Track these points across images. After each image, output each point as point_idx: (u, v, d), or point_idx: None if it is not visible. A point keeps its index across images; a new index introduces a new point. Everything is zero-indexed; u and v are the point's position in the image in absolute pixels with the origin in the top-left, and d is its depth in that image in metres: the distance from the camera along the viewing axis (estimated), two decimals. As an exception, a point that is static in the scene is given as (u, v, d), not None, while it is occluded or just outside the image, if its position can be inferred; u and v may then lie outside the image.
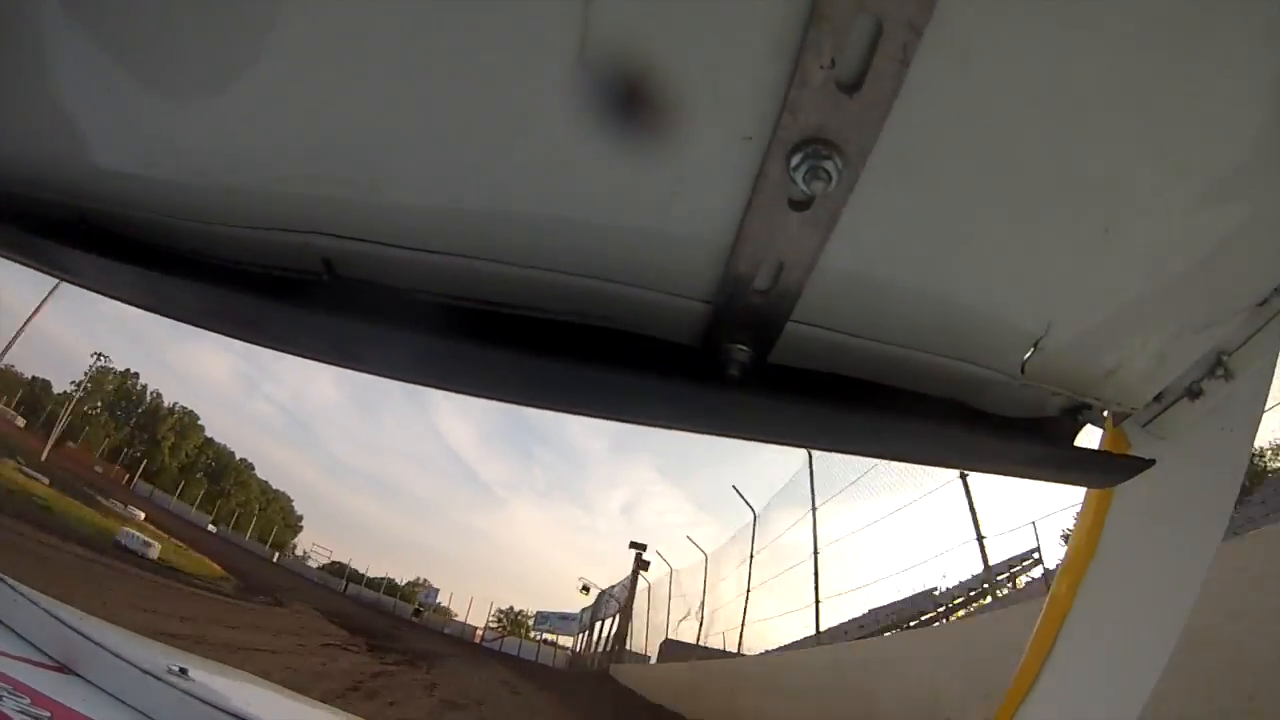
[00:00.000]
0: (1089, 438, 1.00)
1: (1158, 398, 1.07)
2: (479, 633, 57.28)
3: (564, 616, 61.59)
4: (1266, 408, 1.11)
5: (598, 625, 46.72)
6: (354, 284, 0.84)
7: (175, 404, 72.74)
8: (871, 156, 0.62)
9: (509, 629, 65.42)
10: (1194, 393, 1.07)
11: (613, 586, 45.57)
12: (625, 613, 37.18)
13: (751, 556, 21.51)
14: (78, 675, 1.53)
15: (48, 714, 1.30)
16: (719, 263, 0.75)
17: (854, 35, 0.54)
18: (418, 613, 58.43)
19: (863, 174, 0.63)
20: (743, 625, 20.33)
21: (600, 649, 41.63)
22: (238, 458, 76.46)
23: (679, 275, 0.79)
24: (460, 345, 0.81)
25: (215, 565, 28.85)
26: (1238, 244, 0.77)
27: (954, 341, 0.85)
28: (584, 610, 55.04)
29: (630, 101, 0.63)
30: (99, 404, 66.38)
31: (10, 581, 1.79)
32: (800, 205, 0.66)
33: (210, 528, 56.69)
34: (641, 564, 37.23)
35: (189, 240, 0.88)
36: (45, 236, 0.91)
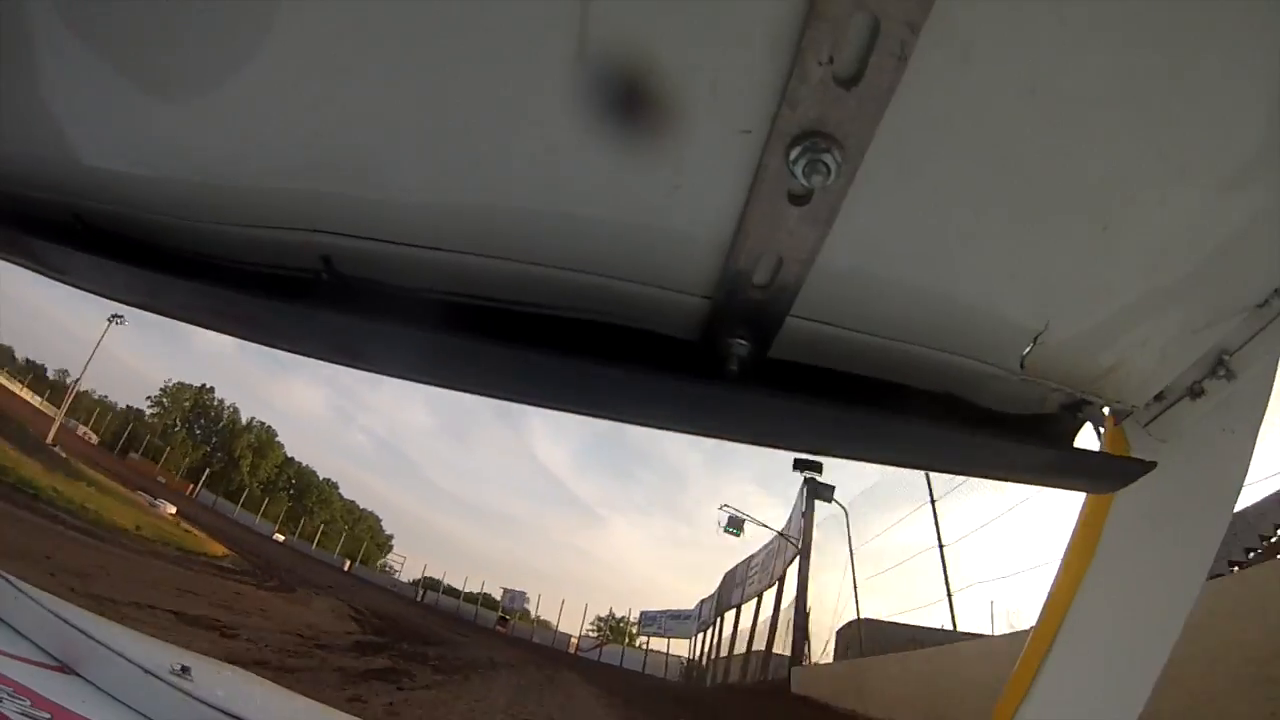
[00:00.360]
0: (1089, 442, 1.00)
1: (1158, 397, 1.06)
2: (574, 641, 52.95)
3: (676, 615, 53.37)
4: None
5: (726, 616, 36.94)
6: (354, 281, 0.84)
7: (252, 419, 72.59)
8: (870, 152, 0.62)
9: (609, 636, 59.16)
10: (1195, 392, 1.07)
11: (752, 557, 35.14)
12: (803, 574, 23.24)
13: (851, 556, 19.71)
14: (79, 675, 1.53)
15: (48, 716, 1.30)
16: (718, 257, 0.75)
17: (852, 32, 0.54)
18: (503, 620, 54.02)
19: (862, 169, 0.63)
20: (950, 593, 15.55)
21: (744, 648, 29.60)
22: (321, 478, 75.83)
23: (678, 270, 0.79)
24: (460, 342, 0.81)
25: (218, 545, 28.73)
26: (1238, 243, 0.77)
27: (953, 336, 0.85)
28: (704, 602, 46.60)
29: (629, 96, 0.64)
30: (175, 420, 66.66)
31: (11, 579, 1.79)
32: (800, 199, 0.66)
33: (277, 537, 55.55)
34: (820, 491, 24.68)
35: (186, 239, 0.88)
36: (40, 236, 0.91)
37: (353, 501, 78.45)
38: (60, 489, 19.66)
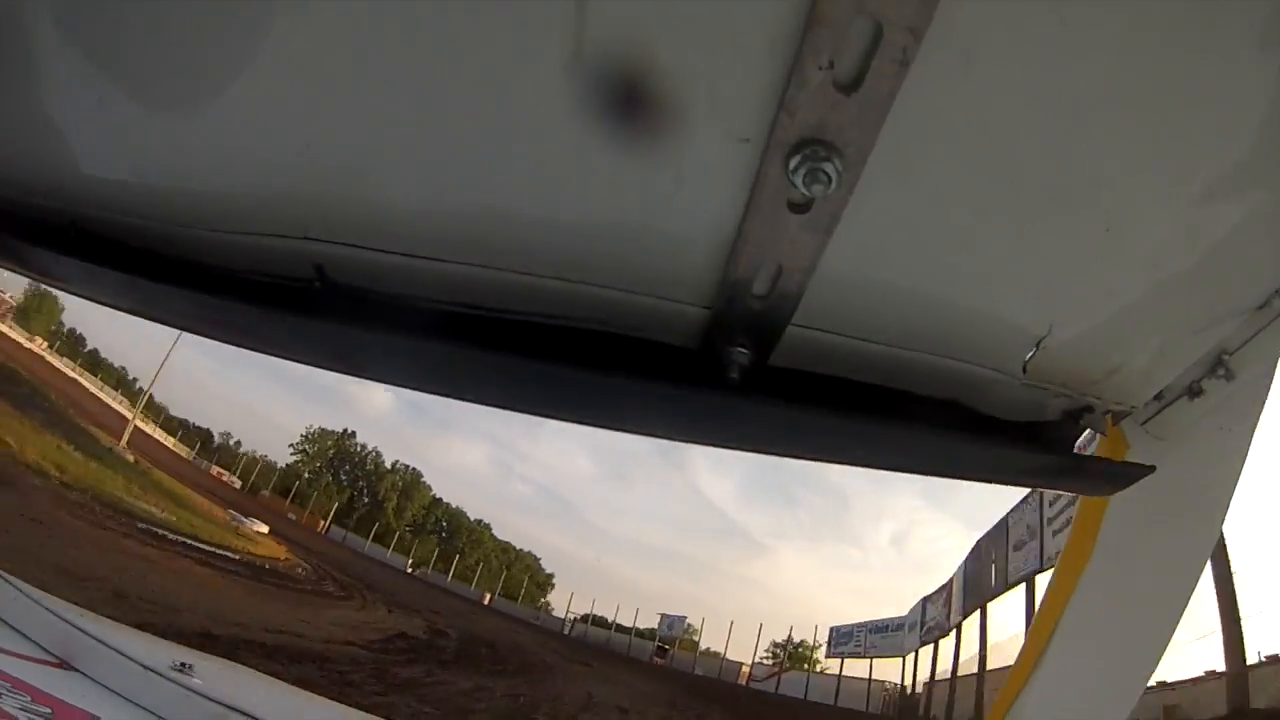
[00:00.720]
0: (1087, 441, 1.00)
1: (1157, 396, 1.07)
2: (746, 670, 42.02)
3: (881, 627, 37.67)
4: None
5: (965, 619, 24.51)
6: (347, 290, 0.83)
7: (395, 462, 71.09)
8: (871, 158, 0.61)
9: (786, 663, 45.88)
10: (1194, 392, 1.07)
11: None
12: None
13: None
14: (79, 671, 1.54)
15: (48, 710, 1.31)
16: (717, 267, 0.74)
17: (853, 37, 0.53)
18: (661, 650, 46.11)
19: (863, 175, 0.62)
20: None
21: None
22: (472, 519, 73.21)
23: (677, 280, 0.78)
24: (456, 351, 0.80)
25: (281, 551, 28.89)
26: (1238, 245, 0.76)
27: (956, 342, 0.84)
28: (928, 601, 31.59)
29: (626, 104, 0.62)
30: (319, 465, 66.40)
31: (9, 578, 1.80)
32: (800, 208, 0.65)
33: (409, 569, 54.02)
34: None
35: (179, 246, 0.87)
36: (34, 243, 0.90)
37: (508, 542, 75.22)
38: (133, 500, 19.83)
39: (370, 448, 70.65)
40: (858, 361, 0.85)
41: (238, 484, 57.38)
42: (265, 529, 32.69)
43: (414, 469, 71.68)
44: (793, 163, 0.61)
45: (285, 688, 2.21)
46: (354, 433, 70.40)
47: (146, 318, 0.96)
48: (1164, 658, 1.14)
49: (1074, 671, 1.20)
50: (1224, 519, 1.14)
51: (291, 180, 0.78)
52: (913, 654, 32.57)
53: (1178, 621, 1.14)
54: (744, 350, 0.80)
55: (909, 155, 0.65)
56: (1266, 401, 1.09)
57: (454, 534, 70.85)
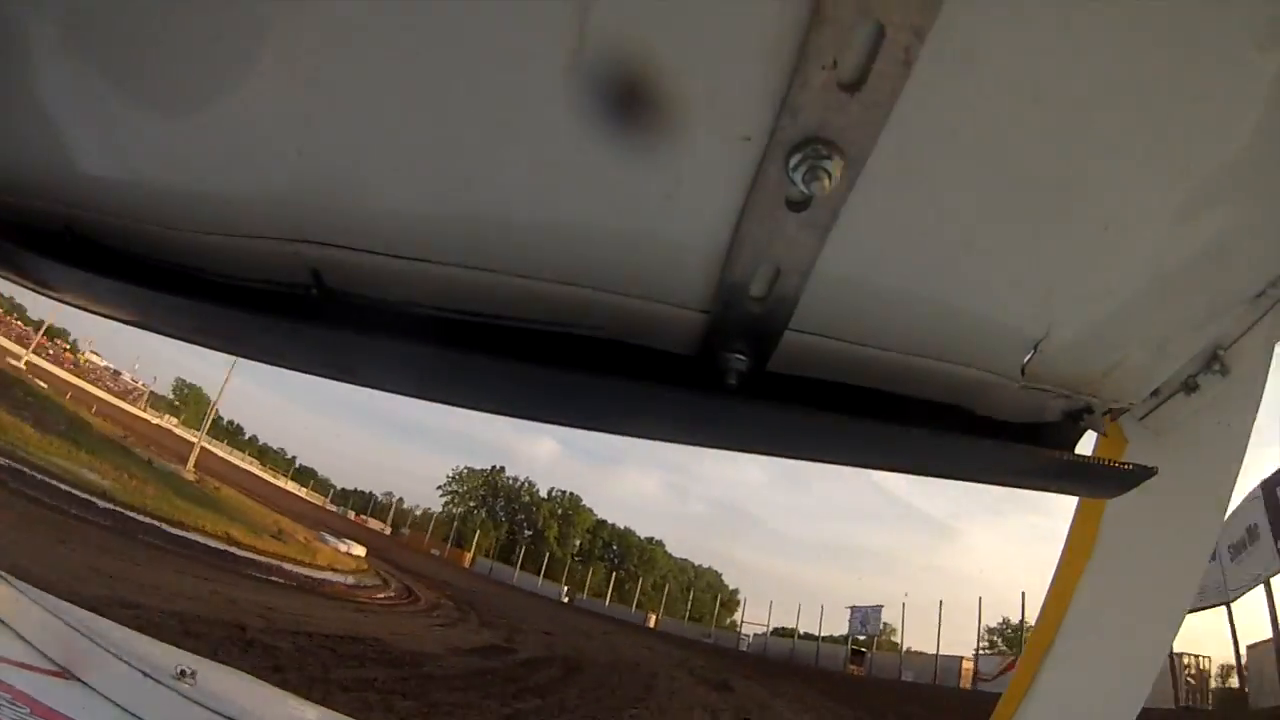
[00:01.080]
0: (1087, 439, 1.00)
1: (1154, 392, 1.07)
2: (967, 665, 34.39)
3: None
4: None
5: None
6: (343, 296, 0.82)
7: (552, 489, 69.90)
8: (870, 159, 0.61)
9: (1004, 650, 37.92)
10: (1190, 387, 1.08)
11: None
12: None
13: None
14: (79, 680, 1.53)
15: None
16: (714, 269, 0.74)
17: (856, 38, 0.53)
18: (857, 654, 38.60)
19: (861, 176, 0.62)
20: None
21: None
22: (641, 537, 70.42)
23: (675, 284, 0.78)
24: (454, 357, 0.80)
25: (361, 559, 30.12)
26: (1234, 239, 0.77)
27: (955, 346, 0.84)
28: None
29: (626, 105, 0.62)
30: (472, 503, 66.55)
31: (11, 579, 1.79)
32: (798, 205, 0.65)
33: (564, 598, 53.36)
34: None
35: (174, 250, 0.86)
36: (30, 249, 0.89)
37: (685, 559, 72.57)
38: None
39: (522, 479, 69.23)
40: (854, 366, 0.85)
41: (387, 530, 62.36)
42: (362, 551, 32.78)
43: (572, 494, 70.02)
44: (793, 161, 0.61)
45: (286, 696, 2.20)
46: (502, 467, 69.89)
47: (144, 328, 0.96)
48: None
49: (1079, 671, 1.20)
50: (1224, 512, 1.14)
51: (288, 182, 0.77)
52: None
53: (1183, 614, 1.14)
54: (741, 356, 0.80)
55: (907, 157, 0.65)
56: (1263, 395, 1.10)
57: (624, 556, 68.21)
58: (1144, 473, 0.93)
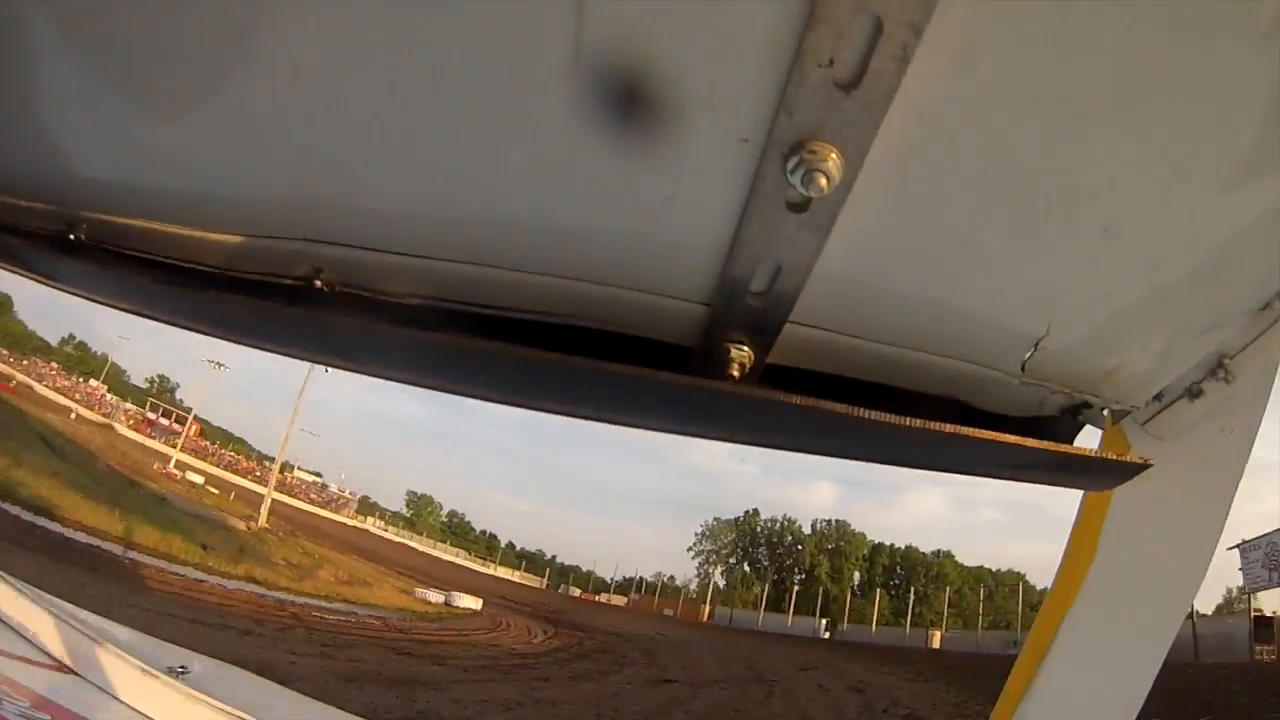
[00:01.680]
0: (1087, 439, 1.00)
1: (1157, 397, 1.07)
2: None
3: None
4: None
5: None
6: (347, 290, 0.83)
7: (815, 521, 65.44)
8: (869, 157, 0.61)
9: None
10: (1194, 393, 1.07)
11: None
12: None
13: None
14: (79, 675, 1.53)
15: (47, 717, 1.30)
16: (716, 264, 0.74)
17: (853, 34, 0.53)
18: (1262, 626, 20.90)
19: (861, 175, 0.62)
20: None
21: None
22: (925, 553, 63.91)
23: (676, 277, 0.78)
24: (457, 344, 0.81)
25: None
26: (1238, 247, 0.76)
27: (955, 342, 0.85)
28: None
29: (625, 105, 0.63)
30: (731, 559, 64.17)
31: (10, 578, 1.79)
32: (798, 207, 0.65)
33: (824, 634, 51.46)
34: None
35: (178, 247, 0.87)
36: (33, 242, 0.90)
37: (980, 566, 64.64)
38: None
39: (779, 518, 64.73)
40: (854, 359, 0.85)
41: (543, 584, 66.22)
42: (478, 605, 34.31)
43: (839, 521, 64.95)
44: (791, 163, 0.61)
45: (282, 690, 2.20)
46: (756, 510, 65.87)
47: (147, 316, 0.97)
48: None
49: (1078, 672, 1.19)
50: (1225, 520, 1.14)
51: (291, 181, 0.78)
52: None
53: (1180, 621, 1.14)
54: (743, 347, 0.80)
55: (907, 155, 0.65)
56: (1267, 405, 1.09)
57: (910, 576, 62.74)
58: (1139, 466, 0.93)
